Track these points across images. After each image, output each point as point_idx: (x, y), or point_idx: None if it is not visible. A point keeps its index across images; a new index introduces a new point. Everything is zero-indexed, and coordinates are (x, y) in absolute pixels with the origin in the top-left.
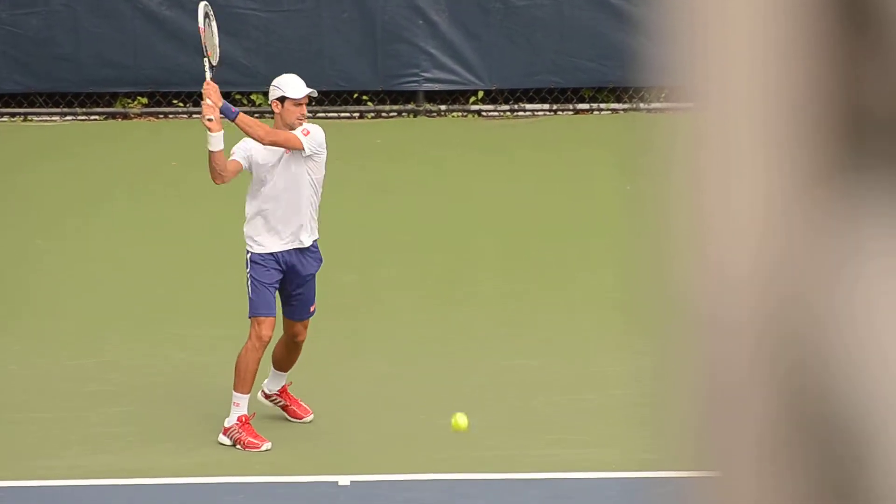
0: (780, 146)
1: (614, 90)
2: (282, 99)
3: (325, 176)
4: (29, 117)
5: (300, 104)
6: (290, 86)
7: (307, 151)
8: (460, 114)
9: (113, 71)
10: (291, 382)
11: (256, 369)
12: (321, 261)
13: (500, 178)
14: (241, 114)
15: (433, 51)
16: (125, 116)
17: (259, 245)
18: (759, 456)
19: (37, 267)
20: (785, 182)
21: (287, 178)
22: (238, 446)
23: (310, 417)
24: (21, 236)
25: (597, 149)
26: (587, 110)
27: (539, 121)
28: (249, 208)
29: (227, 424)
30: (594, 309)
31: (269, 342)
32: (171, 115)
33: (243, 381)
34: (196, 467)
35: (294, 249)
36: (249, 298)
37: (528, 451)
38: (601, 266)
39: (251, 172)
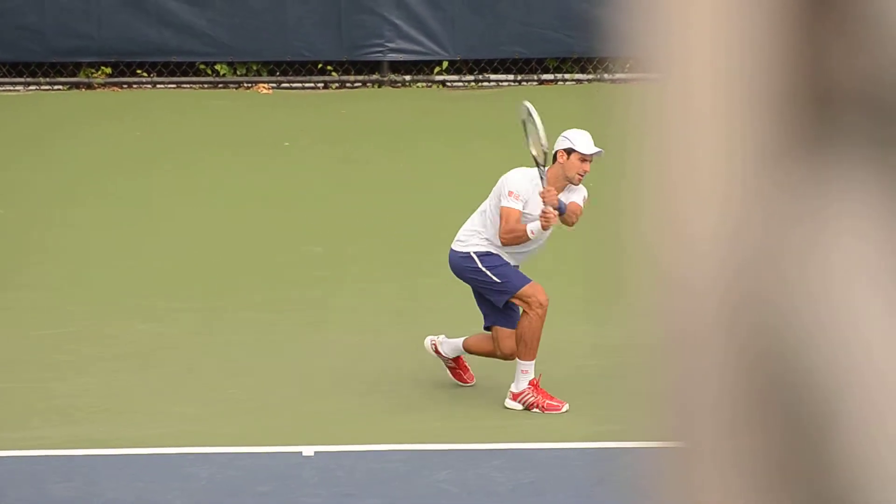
0: (743, 116)
1: (578, 61)
2: (569, 151)
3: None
4: None
5: (586, 160)
6: (581, 142)
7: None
8: (425, 84)
9: (77, 41)
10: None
11: (539, 335)
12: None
13: (465, 148)
14: (567, 205)
15: (398, 21)
16: (89, 86)
17: (483, 246)
18: (721, 421)
19: (0, 238)
20: (748, 151)
21: (542, 232)
22: (535, 409)
23: (473, 382)
24: None
25: (561, 119)
26: (552, 81)
27: (503, 91)
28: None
29: (515, 390)
30: (558, 278)
31: (547, 303)
32: (134, 86)
33: (530, 349)
34: (161, 438)
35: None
36: (500, 286)
37: (491, 421)
38: (564, 236)
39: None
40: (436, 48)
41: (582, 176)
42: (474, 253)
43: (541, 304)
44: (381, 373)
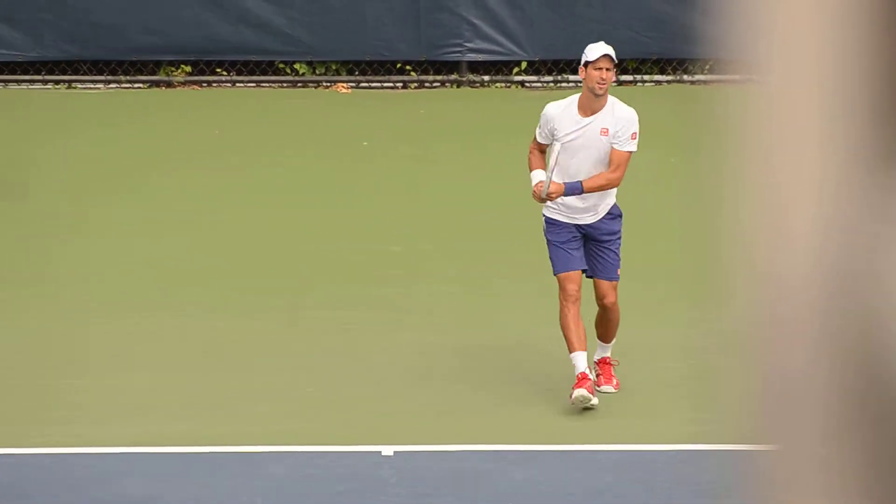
0: (842, 118)
1: (658, 62)
2: (585, 65)
3: (552, 153)
4: (73, 85)
5: (599, 68)
6: (590, 51)
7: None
8: (503, 84)
9: (157, 39)
10: (618, 362)
11: (574, 326)
12: (620, 226)
13: None
14: (584, 182)
15: (477, 21)
16: (169, 85)
17: (548, 210)
18: (822, 430)
19: (73, 233)
20: (845, 151)
21: (591, 160)
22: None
23: (607, 388)
24: (60, 202)
25: (640, 121)
26: (630, 82)
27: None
28: None
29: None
30: (644, 280)
31: (575, 294)
32: (214, 84)
33: (566, 340)
34: (240, 436)
35: (590, 223)
36: (551, 262)
37: (570, 422)
38: (650, 238)
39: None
40: (514, 48)
41: (603, 84)
42: (544, 216)
43: (566, 296)
44: (458, 372)
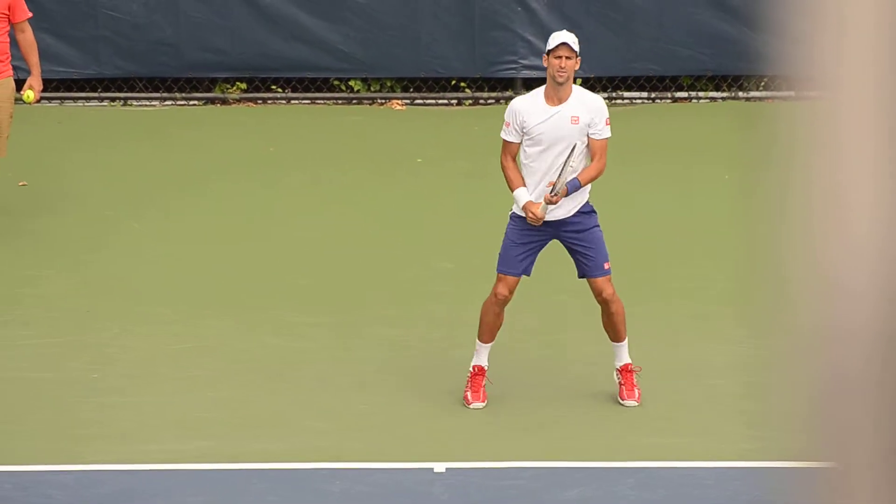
0: None
1: (713, 78)
2: (548, 54)
3: (525, 151)
4: (129, 102)
5: (559, 56)
6: (552, 39)
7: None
8: None
9: (212, 56)
10: (640, 368)
11: (493, 319)
12: (595, 221)
13: None
14: (580, 177)
15: (531, 38)
16: (224, 102)
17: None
18: (876, 444)
19: (133, 249)
20: None
21: (570, 153)
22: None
23: (630, 402)
24: (117, 218)
25: (694, 137)
26: (685, 98)
27: (637, 109)
28: None
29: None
30: (693, 299)
31: (503, 297)
32: (269, 101)
33: (480, 326)
34: (291, 453)
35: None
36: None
37: (624, 439)
38: (699, 255)
39: None
40: None
41: (563, 72)
42: (511, 213)
43: (495, 295)
44: (510, 389)
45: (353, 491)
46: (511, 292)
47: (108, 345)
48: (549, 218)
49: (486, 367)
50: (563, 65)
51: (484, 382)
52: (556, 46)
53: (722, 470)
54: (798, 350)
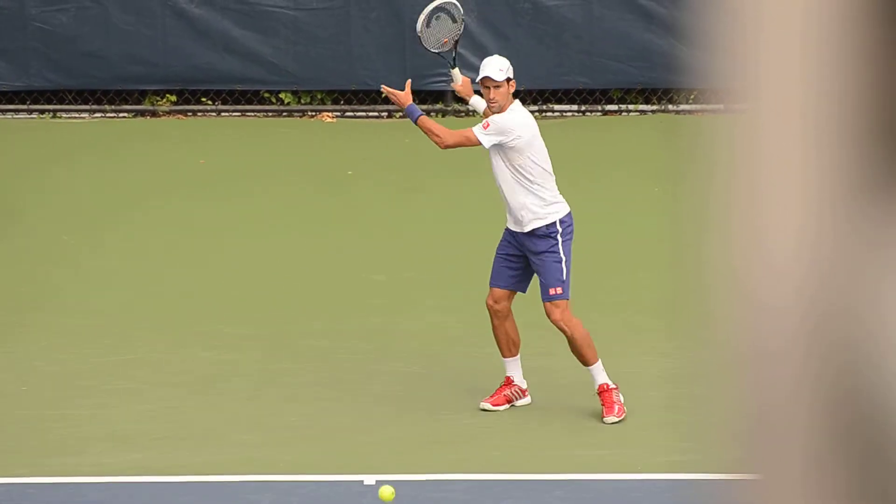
0: (826, 146)
1: (643, 91)
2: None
3: (535, 160)
4: (58, 114)
5: (486, 87)
6: (481, 66)
7: (485, 145)
8: None
9: (142, 68)
10: (616, 386)
11: (500, 337)
12: (549, 246)
13: None
14: (423, 117)
15: (462, 50)
16: (154, 114)
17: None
18: (804, 462)
19: (63, 263)
20: (829, 179)
21: (493, 168)
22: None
23: (610, 419)
24: (49, 232)
25: (624, 150)
26: (616, 111)
27: (567, 122)
28: None
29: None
30: (624, 311)
31: (492, 306)
32: (199, 114)
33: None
34: (221, 465)
35: (518, 232)
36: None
37: (555, 451)
38: (630, 268)
39: None
40: None
41: (493, 103)
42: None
43: (488, 308)
44: (442, 401)
45: (283, 502)
46: (497, 303)
47: (36, 357)
48: (512, 228)
49: (512, 378)
50: (491, 95)
51: (506, 392)
52: (481, 79)
53: (652, 482)
54: (724, 365)
